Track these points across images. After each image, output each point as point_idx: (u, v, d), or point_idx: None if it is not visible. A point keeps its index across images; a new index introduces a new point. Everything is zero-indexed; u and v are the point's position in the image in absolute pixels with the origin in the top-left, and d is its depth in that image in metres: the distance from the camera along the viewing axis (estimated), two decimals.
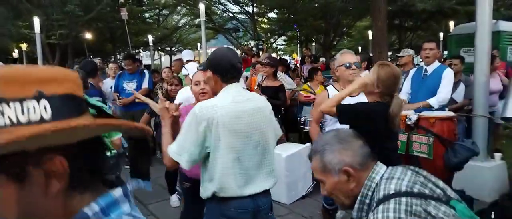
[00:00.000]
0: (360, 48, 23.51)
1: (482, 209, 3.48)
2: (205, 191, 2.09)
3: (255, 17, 21.84)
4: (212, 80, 2.14)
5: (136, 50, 25.04)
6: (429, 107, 4.01)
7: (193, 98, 2.89)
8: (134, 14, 20.68)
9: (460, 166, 3.44)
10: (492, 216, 3.23)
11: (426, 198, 1.35)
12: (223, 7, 22.77)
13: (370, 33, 13.04)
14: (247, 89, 5.37)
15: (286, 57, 22.09)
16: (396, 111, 2.45)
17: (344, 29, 21.78)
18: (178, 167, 2.25)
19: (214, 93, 2.17)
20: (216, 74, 2.10)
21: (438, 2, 16.47)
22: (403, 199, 1.33)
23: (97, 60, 8.64)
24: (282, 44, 29.36)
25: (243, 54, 9.48)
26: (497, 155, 4.65)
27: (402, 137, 3.51)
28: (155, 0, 23.72)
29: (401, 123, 3.17)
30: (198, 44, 23.54)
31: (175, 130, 2.15)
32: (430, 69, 4.27)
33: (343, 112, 2.55)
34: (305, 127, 5.48)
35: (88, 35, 19.04)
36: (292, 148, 4.57)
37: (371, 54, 9.46)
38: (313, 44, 23.28)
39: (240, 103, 2.05)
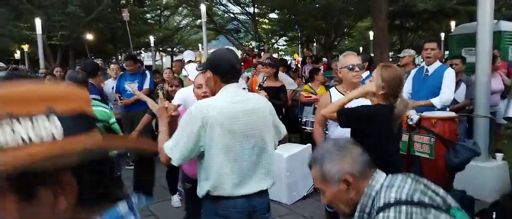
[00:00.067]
0: (361, 48, 23.53)
1: (483, 209, 3.48)
2: (201, 190, 2.11)
3: (256, 18, 21.86)
4: (212, 81, 2.15)
5: (138, 51, 25.07)
6: (432, 107, 4.01)
7: (191, 97, 2.90)
8: (136, 15, 20.71)
9: (462, 166, 3.44)
10: (494, 216, 3.23)
11: (426, 207, 1.34)
12: (224, 8, 22.81)
13: (371, 33, 13.06)
14: (248, 89, 5.38)
15: (287, 57, 22.11)
16: (402, 112, 2.45)
17: (345, 30, 21.75)
18: (182, 168, 2.26)
19: (213, 94, 2.18)
20: (215, 74, 2.12)
21: (439, 2, 16.46)
22: (403, 207, 1.33)
23: (98, 61, 8.65)
24: (283, 45, 29.35)
25: (245, 54, 9.48)
26: (499, 155, 4.64)
27: (404, 137, 3.50)
28: (157, 1, 23.75)
29: (402, 123, 3.16)
30: (199, 45, 23.57)
31: (173, 128, 2.17)
32: (431, 69, 4.27)
33: (344, 116, 2.55)
34: (306, 128, 5.48)
35: (89, 36, 19.09)
36: (293, 149, 4.57)
37: (372, 55, 9.46)
38: (314, 44, 23.25)
39: (237, 103, 2.06)
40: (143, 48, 26.52)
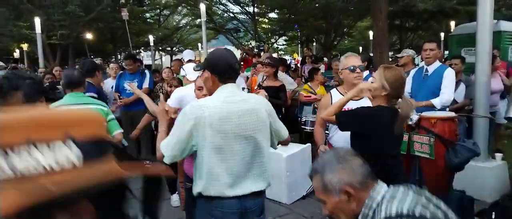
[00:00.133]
0: (361, 48, 23.53)
1: (483, 209, 3.48)
2: (195, 188, 2.12)
3: (256, 17, 21.85)
4: (210, 81, 2.15)
5: (137, 50, 25.08)
6: (432, 107, 4.00)
7: (187, 97, 2.90)
8: (135, 14, 20.69)
9: (461, 167, 3.44)
10: (493, 216, 3.23)
11: None
12: (224, 8, 22.79)
13: (371, 33, 13.07)
14: (248, 89, 5.38)
15: (287, 57, 22.11)
16: (408, 113, 2.44)
17: (345, 29, 21.76)
18: (183, 167, 2.26)
19: (211, 94, 2.18)
20: (214, 74, 2.12)
21: (439, 2, 16.46)
22: None
23: (98, 60, 8.65)
24: (283, 44, 29.36)
25: (244, 54, 9.47)
26: (498, 155, 4.64)
27: (404, 137, 3.50)
28: (156, 0, 23.74)
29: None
30: (199, 44, 23.60)
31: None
32: (431, 69, 4.27)
33: (343, 119, 2.53)
34: (306, 127, 5.48)
35: (89, 36, 19.08)
36: (293, 148, 4.57)
37: (371, 54, 9.46)
38: (314, 44, 23.26)
39: (231, 104, 2.05)
40: (142, 48, 26.53)
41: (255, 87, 5.31)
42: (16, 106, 1.93)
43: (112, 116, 3.21)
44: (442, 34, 17.03)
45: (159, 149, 2.09)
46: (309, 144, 4.80)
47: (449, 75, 4.14)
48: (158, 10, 25.41)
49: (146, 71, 6.25)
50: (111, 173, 0.64)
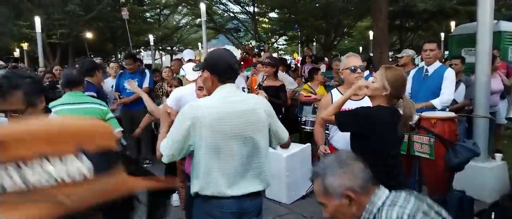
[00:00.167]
0: (361, 48, 23.53)
1: (483, 209, 3.48)
2: (192, 188, 2.13)
3: (256, 17, 21.83)
4: (209, 81, 2.16)
5: (137, 50, 25.07)
6: (432, 108, 4.00)
7: (185, 97, 2.90)
8: (135, 14, 20.69)
9: (461, 167, 3.44)
10: (493, 216, 3.23)
11: None
12: (224, 7, 22.77)
13: (371, 33, 13.07)
14: (248, 88, 5.38)
15: (287, 57, 22.10)
16: (411, 113, 2.44)
17: (345, 29, 21.74)
18: (182, 166, 2.27)
19: (210, 94, 2.18)
20: (213, 74, 2.13)
21: (439, 2, 16.45)
22: None
23: (98, 60, 8.64)
24: (283, 44, 29.35)
25: (244, 53, 9.47)
26: (498, 156, 4.64)
27: (404, 137, 3.50)
28: None
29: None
30: (199, 44, 23.61)
31: None
32: (431, 69, 4.27)
33: (342, 119, 2.53)
34: (306, 127, 5.48)
35: (89, 35, 19.07)
36: (293, 148, 4.56)
37: (371, 54, 9.46)
38: (314, 44, 23.25)
39: (229, 104, 2.05)
40: (142, 47, 26.51)
41: (255, 87, 5.31)
42: (27, 116, 1.94)
43: (111, 115, 3.21)
44: (442, 34, 17.04)
45: (158, 148, 2.11)
46: (309, 144, 4.80)
47: (450, 75, 4.14)
48: (158, 10, 25.39)
49: (146, 71, 6.25)
50: (121, 188, 0.65)
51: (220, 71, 2.10)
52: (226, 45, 20.65)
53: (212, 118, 1.99)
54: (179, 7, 24.71)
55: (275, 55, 13.67)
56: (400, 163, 2.56)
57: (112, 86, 6.08)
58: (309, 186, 4.57)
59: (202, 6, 8.63)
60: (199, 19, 16.46)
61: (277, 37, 24.88)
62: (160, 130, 2.29)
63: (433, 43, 4.39)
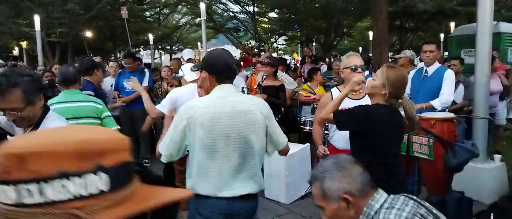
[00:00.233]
0: (360, 48, 23.53)
1: (482, 210, 3.48)
2: (186, 185, 2.15)
3: (256, 17, 21.84)
4: (207, 81, 2.16)
5: (137, 49, 25.03)
6: (432, 109, 4.00)
7: (184, 96, 2.90)
8: (135, 13, 20.67)
9: (460, 168, 3.44)
10: (492, 217, 3.23)
11: None
12: (224, 7, 22.78)
13: (370, 33, 13.06)
14: (247, 88, 5.38)
15: (286, 57, 22.11)
16: (413, 112, 2.43)
17: (344, 30, 21.75)
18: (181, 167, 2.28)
19: (208, 94, 2.19)
20: (211, 74, 2.13)
21: (439, 3, 16.47)
22: None
23: (97, 59, 8.63)
24: (283, 44, 29.35)
25: (244, 53, 9.46)
26: (497, 157, 4.64)
27: (403, 138, 3.50)
28: None
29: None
30: (199, 43, 23.56)
31: None
32: (431, 70, 4.27)
33: (341, 118, 2.52)
34: (305, 127, 5.47)
35: (89, 34, 19.04)
36: (292, 148, 4.54)
37: (370, 55, 9.47)
38: (314, 44, 23.26)
39: (224, 104, 2.05)
40: (142, 46, 26.47)
41: (255, 87, 5.31)
42: (26, 114, 1.96)
43: (108, 113, 3.20)
44: (442, 35, 17.04)
45: (158, 148, 2.14)
46: (308, 144, 4.80)
47: (450, 76, 4.14)
48: (158, 9, 25.36)
49: (146, 70, 6.24)
50: (135, 208, 0.66)
51: (218, 71, 2.11)
52: (226, 45, 20.67)
53: (206, 118, 1.99)
54: (179, 6, 24.70)
55: (274, 55, 13.64)
56: (400, 162, 2.54)
57: (111, 85, 6.07)
58: (308, 186, 4.56)
59: (202, 6, 8.62)
60: (198, 19, 16.46)
61: (277, 37, 24.88)
62: (163, 131, 2.33)
63: (432, 44, 4.38)
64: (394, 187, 1.80)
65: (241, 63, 8.11)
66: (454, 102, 4.75)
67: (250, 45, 13.25)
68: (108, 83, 6.19)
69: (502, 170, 4.56)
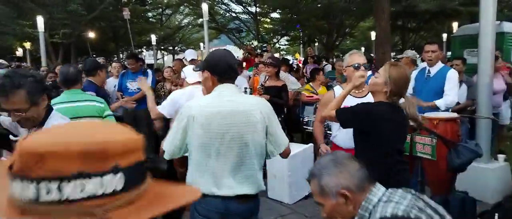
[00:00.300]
0: (363, 48, 23.51)
1: (485, 210, 3.47)
2: (186, 181, 2.18)
3: (258, 17, 21.87)
4: (209, 81, 2.17)
5: (139, 50, 25.10)
6: (436, 108, 3.99)
7: (184, 98, 2.91)
8: (137, 14, 20.73)
9: (463, 167, 3.42)
10: (495, 217, 3.22)
11: None
12: (226, 7, 22.82)
13: (373, 33, 13.05)
14: (250, 88, 5.38)
15: (289, 57, 22.11)
16: (413, 111, 2.42)
17: (347, 30, 21.74)
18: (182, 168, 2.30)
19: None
20: (213, 75, 2.14)
21: (441, 3, 16.45)
22: None
23: (100, 59, 8.65)
24: (285, 44, 29.36)
25: (247, 54, 9.47)
26: (501, 157, 4.62)
27: (406, 138, 3.49)
28: None
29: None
30: (201, 44, 23.62)
31: None
32: (434, 70, 4.25)
33: (343, 116, 2.51)
34: (308, 127, 5.47)
35: (91, 34, 19.12)
36: (295, 148, 4.55)
37: (372, 55, 9.46)
38: (316, 44, 23.24)
39: (224, 103, 2.06)
40: (144, 47, 26.56)
41: (258, 87, 5.31)
42: (29, 115, 1.98)
43: (109, 112, 3.20)
44: (445, 35, 17.02)
45: (162, 145, 2.19)
46: (311, 144, 4.80)
47: (453, 77, 4.12)
48: (160, 10, 25.45)
49: (148, 70, 6.25)
50: (147, 210, 0.67)
51: (220, 71, 2.12)
52: (228, 45, 20.68)
53: (204, 117, 2.02)
54: (181, 7, 24.79)
55: (276, 55, 13.65)
56: (403, 162, 2.50)
57: (114, 86, 6.09)
58: None
59: (204, 6, 8.63)
60: (201, 19, 16.47)
61: (279, 37, 24.89)
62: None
63: (434, 44, 4.37)
64: (397, 185, 1.79)
65: (244, 63, 8.12)
66: (457, 102, 4.74)
67: (253, 46, 13.26)
68: (111, 84, 6.20)
69: (505, 170, 4.54)
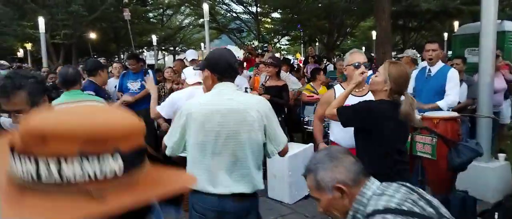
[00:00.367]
0: (363, 48, 23.49)
1: (486, 209, 3.48)
2: None
3: (259, 17, 21.88)
4: (210, 80, 2.19)
5: (140, 50, 25.14)
6: (438, 109, 3.98)
7: (184, 98, 2.92)
8: (138, 14, 20.77)
9: (464, 167, 3.42)
10: (496, 216, 3.23)
11: (413, 216, 1.36)
12: (227, 7, 22.83)
13: (374, 33, 13.02)
14: (251, 88, 5.39)
15: (290, 57, 22.10)
16: (408, 110, 2.40)
17: (347, 29, 21.74)
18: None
19: None
20: (213, 73, 2.17)
21: (442, 2, 16.42)
22: (389, 216, 1.35)
23: (101, 60, 8.67)
24: (286, 44, 29.35)
25: (247, 54, 9.48)
26: (501, 156, 4.62)
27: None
28: (159, 0, 23.78)
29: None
30: (202, 44, 23.65)
31: None
32: (434, 69, 4.25)
33: (344, 114, 2.51)
34: (309, 127, 5.48)
35: (92, 35, 19.14)
36: (295, 148, 4.57)
37: (372, 54, 9.45)
38: (317, 44, 23.24)
39: (222, 101, 2.07)
40: (145, 47, 26.60)
41: (259, 86, 5.32)
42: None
43: None
44: (446, 34, 16.99)
45: (164, 141, 2.24)
46: (311, 144, 4.80)
47: (454, 76, 4.11)
48: (161, 10, 25.49)
49: (149, 71, 6.26)
50: (143, 194, 0.68)
51: (220, 70, 2.14)
52: (229, 45, 20.69)
53: (202, 114, 2.04)
54: (182, 8, 24.82)
55: (277, 55, 13.66)
56: (404, 162, 2.51)
57: (115, 86, 6.10)
58: None
59: (205, 6, 8.63)
60: (202, 19, 16.49)
61: (280, 37, 24.90)
62: None
63: (434, 43, 4.36)
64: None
65: (245, 63, 8.12)
66: (457, 101, 4.73)
67: (253, 46, 13.27)
68: (112, 84, 6.21)
69: (506, 169, 4.54)
